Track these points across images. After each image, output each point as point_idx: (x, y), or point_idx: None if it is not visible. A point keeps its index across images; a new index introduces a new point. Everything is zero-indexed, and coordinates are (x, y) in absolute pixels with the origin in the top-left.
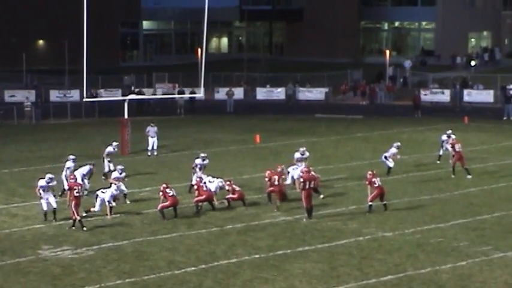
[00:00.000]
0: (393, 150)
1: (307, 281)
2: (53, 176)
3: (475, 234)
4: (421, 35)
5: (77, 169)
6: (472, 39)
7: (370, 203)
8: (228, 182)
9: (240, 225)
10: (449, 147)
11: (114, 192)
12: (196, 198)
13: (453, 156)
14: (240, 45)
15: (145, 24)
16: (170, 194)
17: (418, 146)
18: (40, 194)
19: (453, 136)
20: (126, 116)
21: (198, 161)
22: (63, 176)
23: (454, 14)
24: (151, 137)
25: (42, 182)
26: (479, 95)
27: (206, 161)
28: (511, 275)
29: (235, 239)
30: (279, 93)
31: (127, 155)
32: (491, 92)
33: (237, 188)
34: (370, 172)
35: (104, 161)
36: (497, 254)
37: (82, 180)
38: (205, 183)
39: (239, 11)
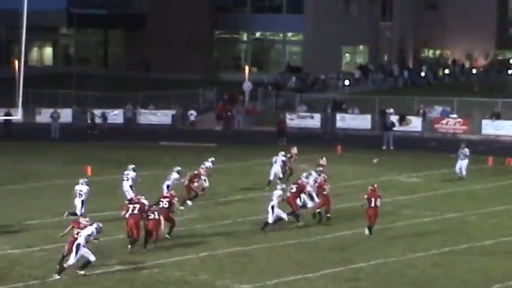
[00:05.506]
0: (174, 175)
1: None
2: None
3: (349, 286)
4: (287, 48)
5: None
6: (347, 54)
7: (318, 210)
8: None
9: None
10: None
11: None
12: None
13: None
14: (67, 56)
15: None
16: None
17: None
18: None
19: (289, 154)
20: None
21: None
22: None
23: (325, 24)
24: None
25: None
26: (355, 120)
27: None
28: None
29: None
30: (115, 115)
31: None
32: (369, 116)
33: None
34: (323, 176)
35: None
36: None
37: None
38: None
39: (66, 15)
